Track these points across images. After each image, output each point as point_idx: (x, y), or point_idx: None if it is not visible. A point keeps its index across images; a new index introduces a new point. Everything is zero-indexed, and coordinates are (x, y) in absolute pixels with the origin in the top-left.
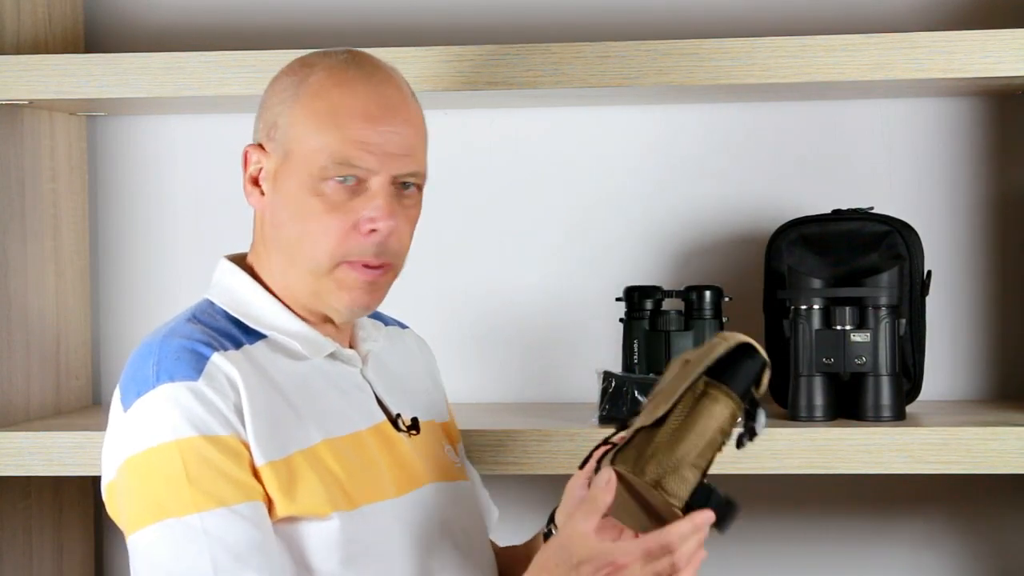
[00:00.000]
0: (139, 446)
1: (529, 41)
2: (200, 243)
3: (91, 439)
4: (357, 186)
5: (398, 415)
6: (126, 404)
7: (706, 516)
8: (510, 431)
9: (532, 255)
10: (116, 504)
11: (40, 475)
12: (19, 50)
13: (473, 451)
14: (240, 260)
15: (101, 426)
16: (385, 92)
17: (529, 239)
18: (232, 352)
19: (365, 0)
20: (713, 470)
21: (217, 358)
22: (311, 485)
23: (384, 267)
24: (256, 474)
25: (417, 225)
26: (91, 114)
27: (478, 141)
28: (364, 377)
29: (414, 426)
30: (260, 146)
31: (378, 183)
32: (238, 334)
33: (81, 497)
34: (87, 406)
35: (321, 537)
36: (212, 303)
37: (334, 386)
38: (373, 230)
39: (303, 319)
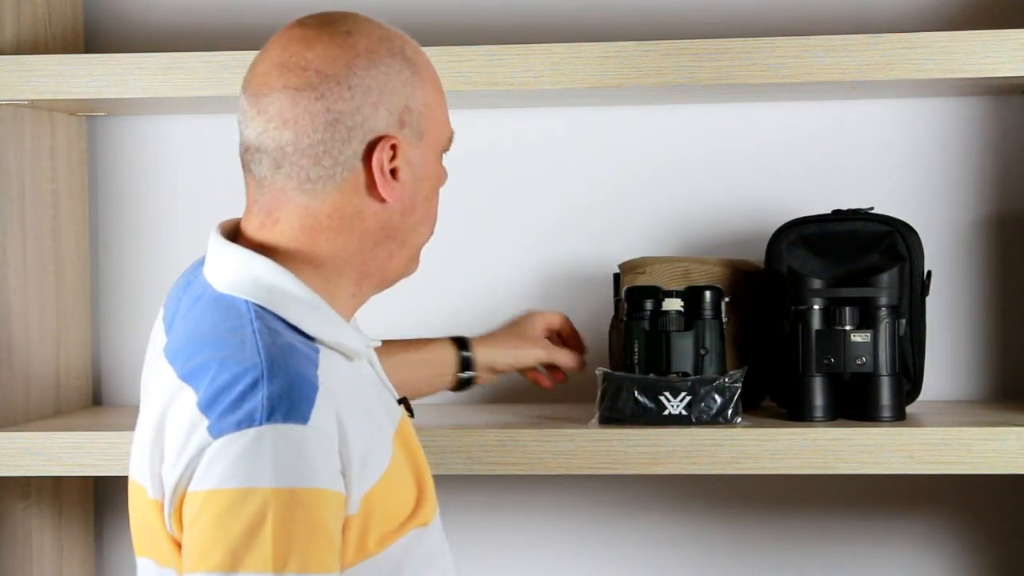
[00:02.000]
0: (228, 482)
1: (529, 41)
2: (200, 243)
3: (91, 439)
4: None
5: (400, 399)
6: (218, 430)
7: None
8: (510, 431)
9: (532, 255)
10: (184, 521)
11: (40, 475)
12: (19, 50)
13: (473, 451)
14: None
15: (101, 426)
16: None
17: (529, 239)
18: (323, 377)
19: (365, 1)
20: (711, 470)
21: (324, 393)
22: (399, 506)
23: None
24: (345, 522)
25: None
26: (91, 114)
27: (478, 141)
28: (371, 366)
29: (408, 407)
30: (390, 136)
31: None
32: (304, 341)
33: (81, 497)
34: (87, 406)
35: (431, 543)
36: (260, 307)
37: (370, 383)
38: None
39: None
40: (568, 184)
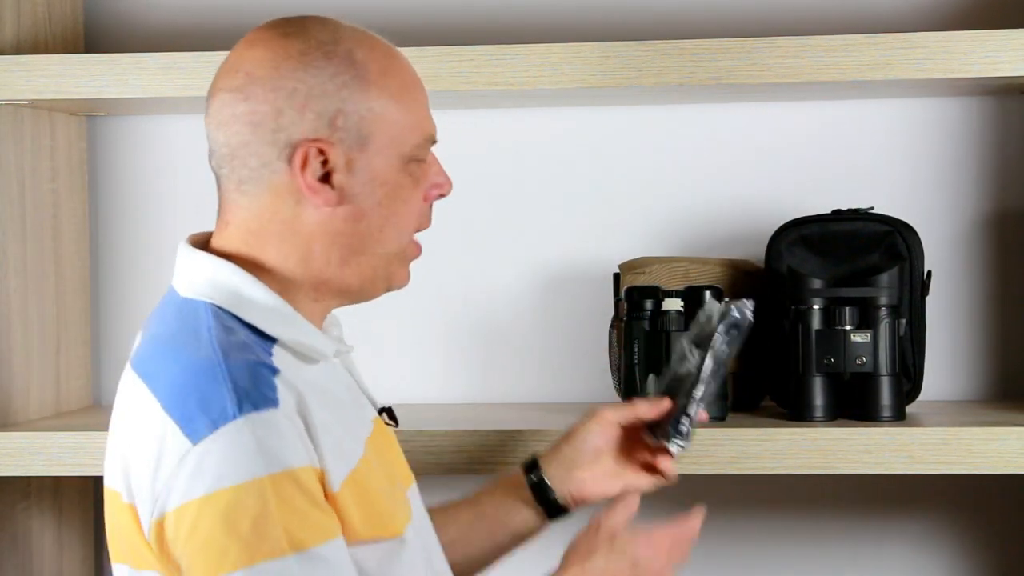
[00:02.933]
0: (221, 482)
1: (529, 41)
2: None
3: (91, 439)
4: None
5: (383, 408)
6: (196, 434)
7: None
8: (510, 431)
9: (531, 255)
10: (178, 543)
11: (40, 475)
12: (19, 50)
13: (474, 451)
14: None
15: (101, 426)
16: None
17: (528, 239)
18: (280, 366)
19: (364, 1)
20: (711, 470)
21: (283, 379)
22: (380, 501)
23: None
24: (332, 499)
25: None
26: (91, 114)
27: (478, 141)
28: (347, 371)
29: (392, 416)
30: (318, 140)
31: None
32: (259, 342)
33: (81, 497)
34: (87, 406)
35: (406, 558)
36: (218, 308)
37: (343, 387)
38: (440, 195)
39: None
40: (568, 184)
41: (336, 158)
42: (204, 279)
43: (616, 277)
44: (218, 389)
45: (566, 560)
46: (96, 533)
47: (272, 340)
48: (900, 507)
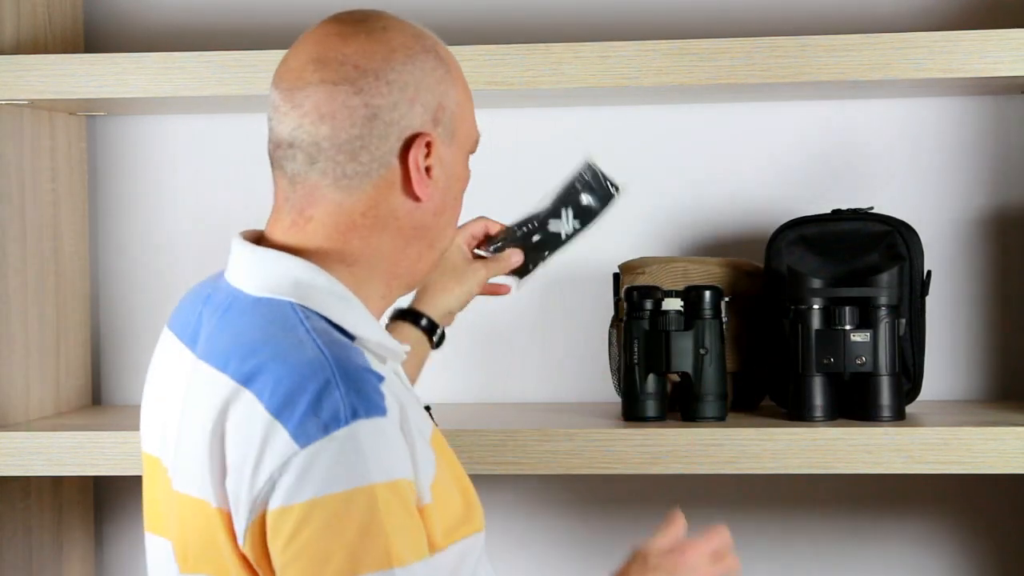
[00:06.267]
0: (330, 487)
1: (529, 41)
2: (200, 243)
3: (91, 439)
4: None
5: (428, 407)
6: (305, 437)
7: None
8: (510, 431)
9: None
10: (276, 545)
11: (40, 475)
12: (19, 50)
13: (473, 451)
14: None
15: (101, 426)
16: None
17: None
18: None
19: (365, 1)
20: (711, 470)
21: (387, 386)
22: (455, 503)
23: None
24: (422, 512)
25: None
26: (91, 114)
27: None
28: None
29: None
30: (426, 133)
31: None
32: (347, 344)
33: (81, 497)
34: (87, 406)
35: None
36: (305, 308)
37: (406, 387)
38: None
39: None
40: None
41: (437, 151)
42: (283, 277)
43: (616, 277)
44: (330, 393)
45: None
46: (96, 533)
47: (351, 338)
48: (900, 507)
